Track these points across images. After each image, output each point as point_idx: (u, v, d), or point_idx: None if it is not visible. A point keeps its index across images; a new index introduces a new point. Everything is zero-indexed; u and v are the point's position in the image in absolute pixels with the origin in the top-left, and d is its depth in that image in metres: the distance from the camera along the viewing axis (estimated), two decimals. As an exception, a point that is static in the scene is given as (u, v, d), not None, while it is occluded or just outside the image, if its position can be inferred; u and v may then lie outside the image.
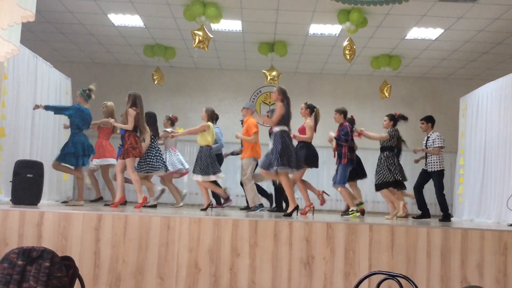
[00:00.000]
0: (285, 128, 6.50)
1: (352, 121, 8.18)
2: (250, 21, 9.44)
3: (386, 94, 11.18)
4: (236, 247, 4.79)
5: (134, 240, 4.81)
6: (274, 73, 10.80)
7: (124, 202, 7.27)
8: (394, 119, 7.63)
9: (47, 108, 7.07)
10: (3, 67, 6.66)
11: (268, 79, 10.89)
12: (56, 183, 8.85)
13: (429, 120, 8.23)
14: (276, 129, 6.50)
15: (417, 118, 12.36)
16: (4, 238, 4.81)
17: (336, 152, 7.59)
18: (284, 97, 6.60)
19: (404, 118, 7.60)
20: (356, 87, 12.73)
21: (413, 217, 8.16)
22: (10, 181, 6.48)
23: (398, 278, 2.55)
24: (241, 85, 12.69)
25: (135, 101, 7.05)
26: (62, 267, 2.57)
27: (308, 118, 7.48)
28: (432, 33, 9.61)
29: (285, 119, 6.52)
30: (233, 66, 12.47)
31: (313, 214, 7.09)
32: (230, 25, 9.66)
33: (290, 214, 6.37)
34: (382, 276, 2.64)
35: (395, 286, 2.63)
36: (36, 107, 7.06)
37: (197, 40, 8.75)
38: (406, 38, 9.92)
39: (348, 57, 9.07)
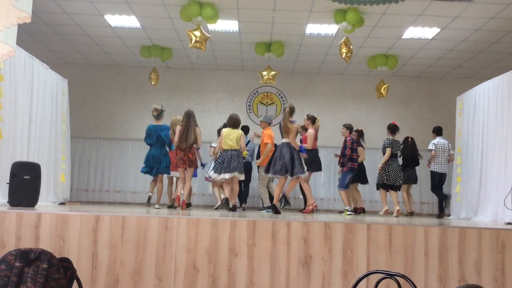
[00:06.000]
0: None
1: (361, 133, 9.83)
2: (247, 21, 9.43)
3: (383, 93, 11.19)
4: (234, 247, 4.77)
5: (132, 241, 4.79)
6: (272, 73, 10.81)
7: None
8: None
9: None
10: (0, 69, 6.63)
11: (263, 79, 10.89)
12: (54, 185, 8.81)
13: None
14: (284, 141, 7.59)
15: (414, 118, 12.50)
16: (1, 240, 4.79)
17: (340, 162, 9.15)
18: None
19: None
20: (353, 86, 12.74)
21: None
22: (7, 183, 6.46)
23: (396, 277, 2.56)
24: (238, 85, 12.68)
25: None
26: (60, 269, 2.56)
27: (311, 128, 8.93)
28: (428, 32, 9.62)
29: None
30: (230, 66, 12.47)
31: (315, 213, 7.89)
32: (226, 25, 9.66)
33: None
34: (380, 276, 2.64)
35: (393, 285, 2.63)
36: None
37: (193, 40, 8.74)
38: (402, 37, 9.94)
39: (344, 56, 9.05)
